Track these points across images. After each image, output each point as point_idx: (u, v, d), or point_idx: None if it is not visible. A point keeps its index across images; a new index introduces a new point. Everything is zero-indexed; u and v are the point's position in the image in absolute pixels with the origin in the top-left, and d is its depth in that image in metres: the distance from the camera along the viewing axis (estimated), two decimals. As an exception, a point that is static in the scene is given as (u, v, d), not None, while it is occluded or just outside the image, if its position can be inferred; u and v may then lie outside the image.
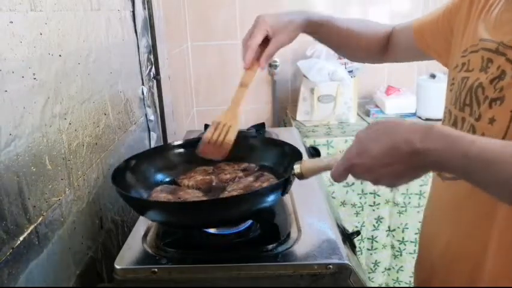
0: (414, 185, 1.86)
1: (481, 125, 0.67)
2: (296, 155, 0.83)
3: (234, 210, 0.73)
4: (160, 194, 0.82)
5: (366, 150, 0.58)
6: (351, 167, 0.61)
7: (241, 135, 0.99)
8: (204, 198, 0.82)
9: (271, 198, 0.75)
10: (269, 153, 0.95)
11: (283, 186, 0.75)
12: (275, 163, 0.92)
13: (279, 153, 0.93)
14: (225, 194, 0.81)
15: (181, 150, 0.97)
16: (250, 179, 0.86)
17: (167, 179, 0.93)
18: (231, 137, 0.85)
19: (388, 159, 0.56)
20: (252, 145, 0.98)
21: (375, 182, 0.60)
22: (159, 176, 0.92)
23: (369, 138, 0.59)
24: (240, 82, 0.90)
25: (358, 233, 0.92)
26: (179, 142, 0.99)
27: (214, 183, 0.89)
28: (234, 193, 0.80)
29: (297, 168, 0.72)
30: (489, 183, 0.54)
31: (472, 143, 0.53)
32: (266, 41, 0.88)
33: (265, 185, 0.82)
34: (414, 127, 0.56)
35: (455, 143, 0.53)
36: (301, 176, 0.72)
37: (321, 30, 0.95)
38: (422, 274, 0.87)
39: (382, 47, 1.00)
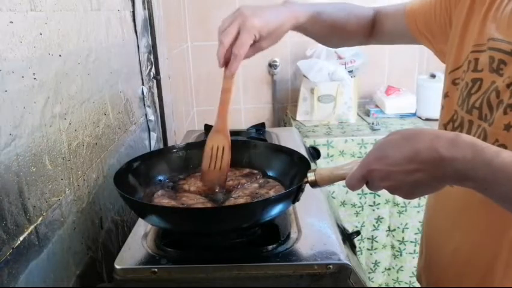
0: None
1: (494, 130, 0.65)
2: (303, 163, 0.81)
3: (244, 218, 0.71)
4: (162, 200, 0.80)
5: (386, 156, 0.56)
6: (368, 173, 0.58)
7: (244, 143, 0.98)
8: (209, 205, 0.80)
9: (282, 206, 0.73)
10: (273, 160, 0.93)
11: (296, 194, 0.73)
12: (279, 170, 0.90)
13: (284, 161, 0.90)
14: (231, 201, 0.79)
15: (181, 153, 0.95)
16: (255, 185, 0.84)
17: (167, 183, 0.90)
18: (227, 160, 0.83)
19: (409, 166, 0.54)
20: (255, 152, 0.96)
21: (393, 191, 0.58)
22: (159, 180, 0.90)
23: (390, 144, 0.57)
24: (222, 89, 0.85)
25: (358, 233, 0.91)
26: (180, 145, 0.98)
27: (216, 189, 0.86)
28: (241, 200, 0.78)
29: (311, 175, 0.70)
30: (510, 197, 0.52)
31: (497, 154, 0.51)
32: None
33: (271, 192, 0.79)
34: (438, 135, 0.54)
35: (481, 153, 0.51)
36: (315, 184, 0.70)
37: (307, 28, 0.91)
38: (432, 278, 0.86)
39: (367, 32, 0.96)
